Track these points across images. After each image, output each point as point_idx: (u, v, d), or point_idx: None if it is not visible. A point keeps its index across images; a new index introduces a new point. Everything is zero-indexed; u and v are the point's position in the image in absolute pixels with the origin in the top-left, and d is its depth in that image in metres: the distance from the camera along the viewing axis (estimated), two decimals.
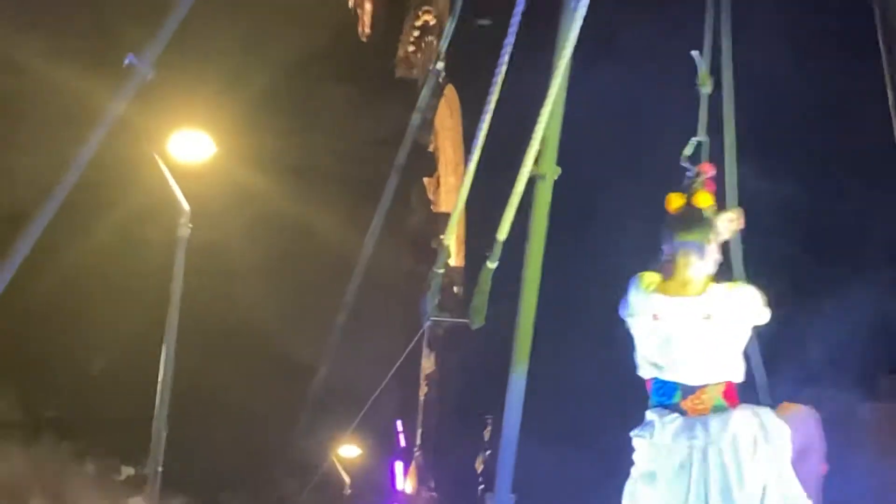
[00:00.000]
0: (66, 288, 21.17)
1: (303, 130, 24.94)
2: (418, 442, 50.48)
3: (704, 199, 7.40)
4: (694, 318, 7.15)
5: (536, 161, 9.55)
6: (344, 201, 23.00)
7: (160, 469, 16.78)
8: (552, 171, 10.04)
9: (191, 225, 17.06)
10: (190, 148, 17.62)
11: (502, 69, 8.89)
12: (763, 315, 7.21)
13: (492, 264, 9.10)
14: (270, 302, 22.35)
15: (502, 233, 8.89)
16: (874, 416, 28.98)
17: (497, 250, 8.97)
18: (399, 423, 40.92)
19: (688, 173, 7.62)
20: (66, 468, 23.11)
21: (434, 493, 50.04)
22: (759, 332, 7.62)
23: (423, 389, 52.28)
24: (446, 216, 47.97)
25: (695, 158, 7.87)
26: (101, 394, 22.59)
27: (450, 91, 51.49)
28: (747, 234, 8.22)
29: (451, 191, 52.81)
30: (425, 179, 48.04)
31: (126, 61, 10.06)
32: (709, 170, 7.58)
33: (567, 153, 10.38)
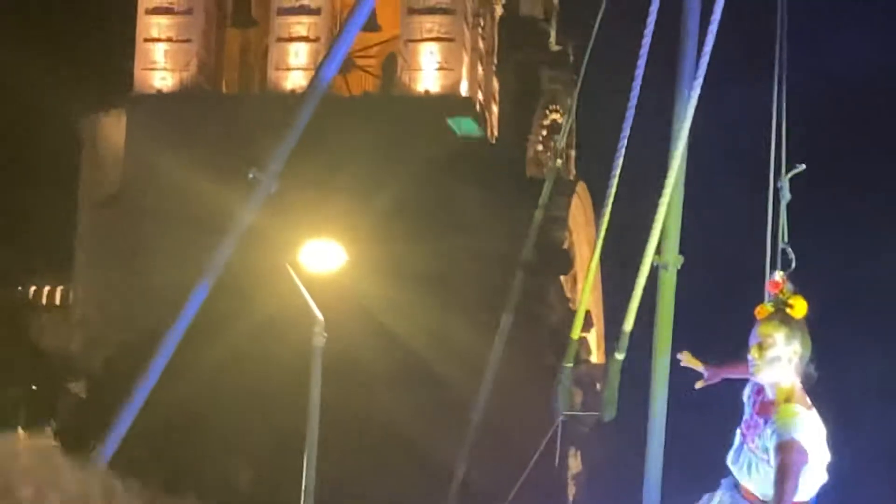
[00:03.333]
0: (204, 397, 21.41)
1: (434, 236, 25.09)
2: None
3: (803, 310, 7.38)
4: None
5: (659, 251, 9.56)
6: (477, 304, 23.07)
7: None
8: (675, 260, 10.01)
9: (325, 334, 17.20)
10: (322, 258, 17.86)
11: (619, 161, 8.92)
12: None
13: (620, 355, 9.07)
14: (407, 407, 22.38)
15: (628, 323, 8.86)
16: None
17: (624, 341, 8.93)
18: None
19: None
20: None
21: None
22: None
23: (571, 489, 51.80)
24: (586, 313, 47.84)
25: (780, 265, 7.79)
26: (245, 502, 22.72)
27: (581, 188, 51.49)
28: None
29: (589, 286, 52.62)
30: (562, 277, 47.92)
31: (250, 175, 10.28)
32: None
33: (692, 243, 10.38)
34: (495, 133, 48.51)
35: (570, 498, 51.63)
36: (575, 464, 52.51)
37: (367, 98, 43.00)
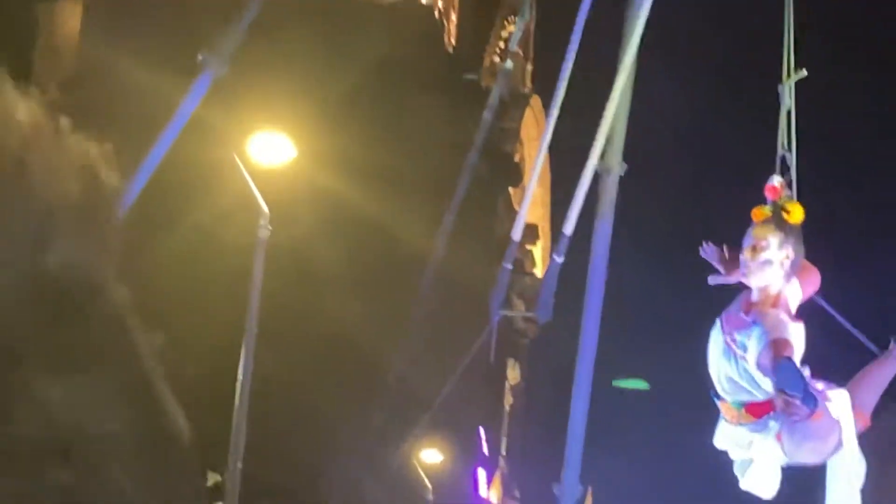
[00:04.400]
0: (143, 291, 21.36)
1: (385, 135, 24.99)
2: (503, 452, 50.43)
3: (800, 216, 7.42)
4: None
5: (602, 156, 9.65)
6: (426, 207, 23.03)
7: (239, 466, 16.95)
8: (618, 166, 10.11)
9: (270, 227, 17.19)
10: (270, 150, 17.78)
11: (567, 70, 8.97)
12: None
13: (559, 258, 9.15)
14: (350, 304, 22.42)
15: (569, 227, 8.94)
16: None
17: (564, 244, 9.02)
18: (482, 431, 40.90)
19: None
20: None
21: (519, 503, 49.97)
22: None
23: (508, 400, 52.22)
24: (532, 225, 47.99)
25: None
26: (182, 398, 22.76)
27: (535, 102, 51.44)
28: None
29: (537, 201, 52.75)
30: (511, 189, 47.98)
31: (199, 58, 10.25)
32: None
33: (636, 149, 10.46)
34: (453, 42, 48.33)
35: (507, 408, 52.07)
36: (513, 375, 52.87)
37: None
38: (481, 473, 40.04)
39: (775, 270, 7.15)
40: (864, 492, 7.21)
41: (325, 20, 24.95)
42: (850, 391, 7.24)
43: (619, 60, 9.15)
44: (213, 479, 24.78)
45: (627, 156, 10.24)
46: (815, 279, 7.54)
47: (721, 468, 7.48)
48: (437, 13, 45.06)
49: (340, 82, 22.75)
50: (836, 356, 7.69)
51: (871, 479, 7.23)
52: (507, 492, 49.50)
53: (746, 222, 7.26)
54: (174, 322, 20.22)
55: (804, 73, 8.12)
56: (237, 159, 16.96)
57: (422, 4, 44.92)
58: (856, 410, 7.17)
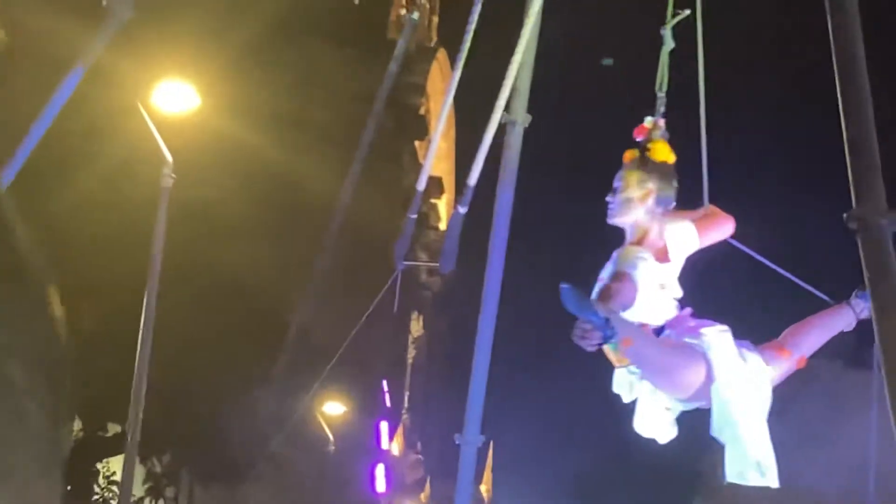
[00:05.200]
0: (49, 240, 21.13)
1: (290, 85, 24.88)
2: (406, 404, 50.66)
3: (671, 157, 7.53)
4: (675, 274, 7.33)
5: (508, 108, 9.71)
6: (332, 157, 23.00)
7: (140, 417, 16.90)
8: (522, 118, 10.19)
9: (174, 175, 17.12)
10: (174, 99, 17.70)
11: (473, 20, 8.99)
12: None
13: (462, 209, 9.18)
14: (255, 254, 22.35)
15: (472, 178, 8.98)
16: None
17: (467, 195, 9.05)
18: (385, 384, 41.04)
19: (653, 118, 7.68)
20: (55, 425, 23.17)
21: (420, 456, 50.25)
22: None
23: (411, 352, 52.42)
24: (437, 178, 48.05)
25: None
26: (84, 349, 22.58)
27: (442, 55, 51.47)
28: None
29: (442, 155, 52.82)
30: (417, 142, 48.03)
31: (104, 2, 10.14)
32: (662, 124, 7.70)
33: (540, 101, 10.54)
34: None
35: (410, 360, 52.25)
36: (417, 328, 53.07)
37: None
38: (384, 426, 40.18)
39: (635, 206, 7.30)
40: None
41: None
42: (793, 331, 7.40)
43: (524, 11, 9.18)
44: (113, 429, 24.70)
45: (532, 107, 10.33)
46: (719, 224, 7.65)
47: (626, 415, 7.60)
48: None
49: (245, 31, 22.57)
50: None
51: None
52: (409, 444, 49.76)
53: None
54: (76, 271, 20.07)
55: (686, 13, 8.20)
56: (141, 107, 16.84)
57: None
58: (795, 350, 7.32)
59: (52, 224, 18.35)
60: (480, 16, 9.07)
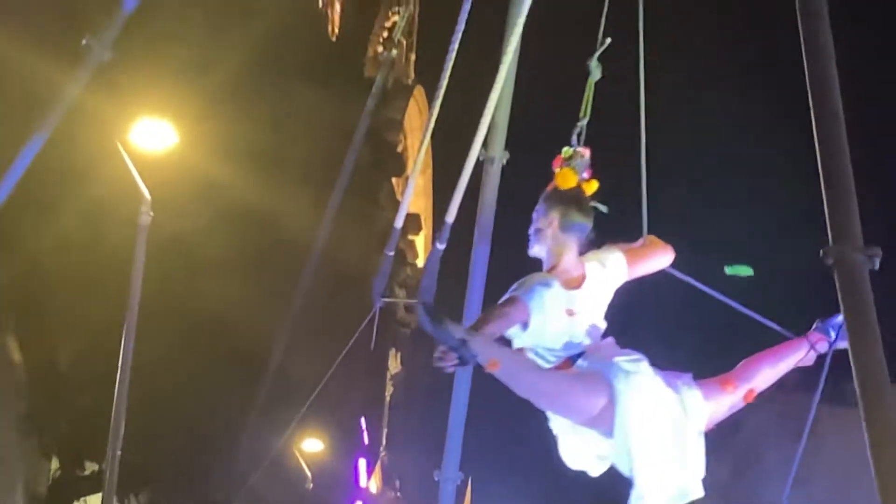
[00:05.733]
0: (24, 279, 21.08)
1: (269, 123, 24.94)
2: (384, 442, 50.53)
3: (592, 186, 7.58)
4: (590, 302, 7.30)
5: (485, 145, 9.77)
6: (309, 195, 23.05)
7: (118, 454, 16.84)
8: (500, 154, 10.25)
9: (152, 213, 17.11)
10: (152, 137, 17.72)
11: (451, 58, 9.02)
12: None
13: (440, 246, 9.20)
14: (232, 290, 22.36)
15: (450, 215, 9.00)
16: None
17: (445, 232, 9.08)
18: (363, 421, 40.96)
19: (570, 149, 7.74)
20: (33, 464, 23.10)
21: (399, 494, 50.09)
22: None
23: (389, 389, 52.32)
24: (414, 215, 48.10)
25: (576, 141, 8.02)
26: (63, 387, 22.54)
27: (419, 93, 51.61)
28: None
29: (419, 192, 52.90)
30: (394, 179, 48.08)
31: (83, 41, 10.16)
32: (588, 154, 7.73)
33: (518, 137, 10.61)
34: (336, 31, 48.29)
35: (388, 397, 52.17)
36: (394, 364, 52.97)
37: None
38: (362, 463, 40.09)
39: (542, 238, 7.37)
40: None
41: (208, 5, 24.82)
42: (744, 364, 7.35)
43: (502, 48, 9.24)
44: (91, 468, 24.60)
45: (510, 144, 10.39)
46: (653, 254, 7.66)
47: None
48: (320, 2, 45.05)
49: (223, 68, 22.64)
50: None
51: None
52: (387, 482, 49.60)
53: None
54: (55, 308, 20.05)
55: (608, 41, 8.30)
56: (119, 145, 16.85)
57: None
58: (741, 384, 7.26)
59: (30, 263, 18.35)
60: (458, 52, 9.11)
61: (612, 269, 7.41)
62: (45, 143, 10.57)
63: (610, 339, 7.34)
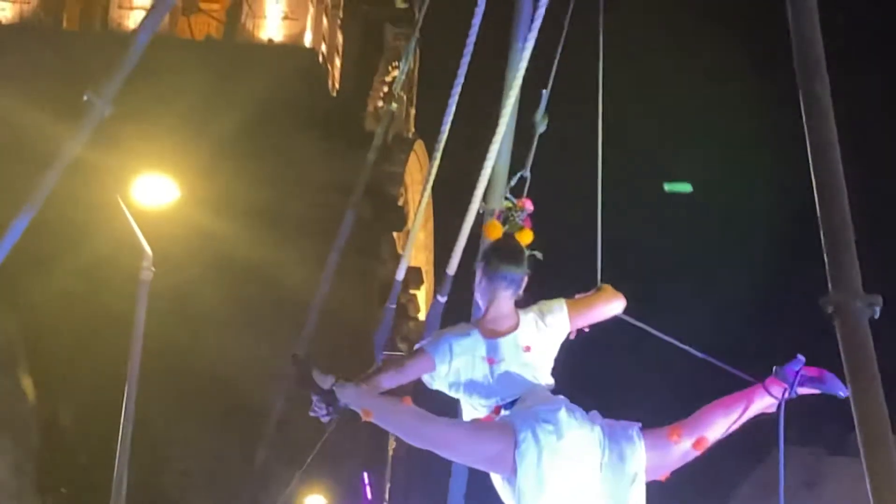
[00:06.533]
0: (27, 332, 21.11)
1: (269, 178, 25.04)
2: (387, 497, 50.38)
3: (527, 237, 7.62)
4: (519, 351, 7.31)
5: (485, 197, 9.77)
6: (309, 249, 23.06)
7: None
8: (500, 207, 10.23)
9: (153, 268, 17.15)
10: (154, 192, 17.77)
11: (451, 111, 9.06)
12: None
13: (442, 299, 9.20)
14: (233, 345, 22.38)
15: (451, 267, 9.00)
16: None
17: (446, 284, 9.07)
18: (365, 475, 40.84)
19: (506, 203, 7.81)
20: None
21: None
22: None
23: (392, 443, 52.20)
24: (416, 269, 48.14)
25: (517, 192, 8.06)
26: (63, 440, 22.52)
27: (419, 147, 51.76)
28: None
29: (420, 246, 52.98)
30: (395, 234, 48.17)
31: (84, 97, 10.20)
32: (529, 206, 7.77)
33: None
34: (337, 86, 48.50)
35: (390, 451, 52.05)
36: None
37: (208, 42, 42.83)
38: None
39: (476, 288, 7.48)
40: None
41: (210, 62, 25.01)
42: (698, 413, 7.28)
43: (501, 102, 9.28)
44: None
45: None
46: (602, 301, 7.66)
47: None
48: (320, 57, 45.27)
49: (224, 124, 22.76)
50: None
51: None
52: None
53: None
54: (57, 363, 20.06)
55: (547, 92, 8.37)
56: (121, 201, 16.91)
57: (305, 48, 45.13)
58: (690, 433, 7.18)
59: (32, 317, 18.36)
60: (458, 106, 9.15)
61: (553, 318, 7.41)
62: (47, 199, 10.60)
63: (553, 396, 7.32)
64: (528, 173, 8.15)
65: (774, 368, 7.06)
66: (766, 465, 28.69)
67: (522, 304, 7.45)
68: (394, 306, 9.72)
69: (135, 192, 17.59)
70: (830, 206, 5.81)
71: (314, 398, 6.65)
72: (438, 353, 7.20)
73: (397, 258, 47.08)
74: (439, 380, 7.27)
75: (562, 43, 9.08)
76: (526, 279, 7.48)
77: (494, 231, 7.63)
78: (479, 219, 10.42)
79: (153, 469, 20.91)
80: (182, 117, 21.78)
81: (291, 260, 23.51)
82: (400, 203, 48.81)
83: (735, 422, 7.12)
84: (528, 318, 7.35)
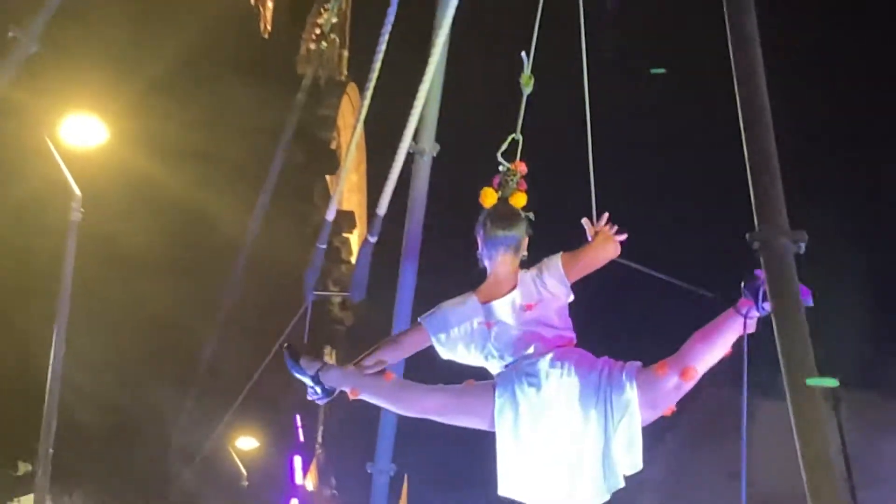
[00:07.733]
0: None
1: (200, 119, 24.79)
2: (319, 439, 50.41)
3: (520, 200, 7.72)
4: (519, 310, 7.38)
5: (416, 137, 9.79)
6: (242, 192, 22.97)
7: (51, 453, 16.73)
8: (431, 147, 10.28)
9: (83, 210, 17.01)
10: (82, 133, 17.57)
11: (380, 52, 9.02)
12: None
13: (372, 238, 9.21)
14: (164, 288, 22.24)
15: (381, 207, 9.01)
16: None
17: (376, 224, 9.08)
18: (298, 418, 40.84)
19: (500, 168, 7.88)
20: None
21: (335, 492, 49.98)
22: None
23: None
24: (348, 212, 48.04)
25: (508, 156, 8.11)
26: None
27: (352, 90, 51.57)
28: None
29: (353, 188, 52.84)
30: (328, 177, 48.00)
31: (10, 34, 10.09)
32: (523, 168, 7.86)
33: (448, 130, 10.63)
34: (269, 28, 48.15)
35: None
36: (330, 362, 52.86)
37: None
38: (297, 461, 39.96)
39: (479, 255, 7.65)
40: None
41: (137, 3, 24.66)
42: (683, 345, 7.37)
43: (431, 42, 9.25)
44: (23, 468, 24.39)
45: (440, 136, 10.41)
46: (596, 249, 7.73)
47: None
48: (252, 0, 44.93)
49: (154, 64, 22.49)
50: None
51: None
52: (323, 479, 49.51)
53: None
54: None
55: (515, 136, 8.41)
56: (49, 142, 16.73)
57: None
58: (675, 364, 7.26)
59: None
60: (389, 48, 9.11)
61: (550, 272, 7.47)
62: None
63: (556, 349, 7.35)
64: (519, 136, 8.17)
65: (743, 290, 7.10)
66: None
67: (528, 266, 7.55)
68: (324, 246, 9.71)
69: (63, 133, 17.40)
70: (757, 143, 5.84)
71: (307, 384, 7.23)
72: (433, 325, 7.42)
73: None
74: (442, 350, 7.46)
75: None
76: (525, 241, 7.58)
77: (488, 198, 7.74)
78: (409, 158, 10.45)
79: (81, 410, 20.80)
80: (111, 57, 21.49)
81: (224, 203, 23.37)
82: (333, 147, 48.62)
83: (717, 347, 7.22)
84: (527, 277, 7.46)
